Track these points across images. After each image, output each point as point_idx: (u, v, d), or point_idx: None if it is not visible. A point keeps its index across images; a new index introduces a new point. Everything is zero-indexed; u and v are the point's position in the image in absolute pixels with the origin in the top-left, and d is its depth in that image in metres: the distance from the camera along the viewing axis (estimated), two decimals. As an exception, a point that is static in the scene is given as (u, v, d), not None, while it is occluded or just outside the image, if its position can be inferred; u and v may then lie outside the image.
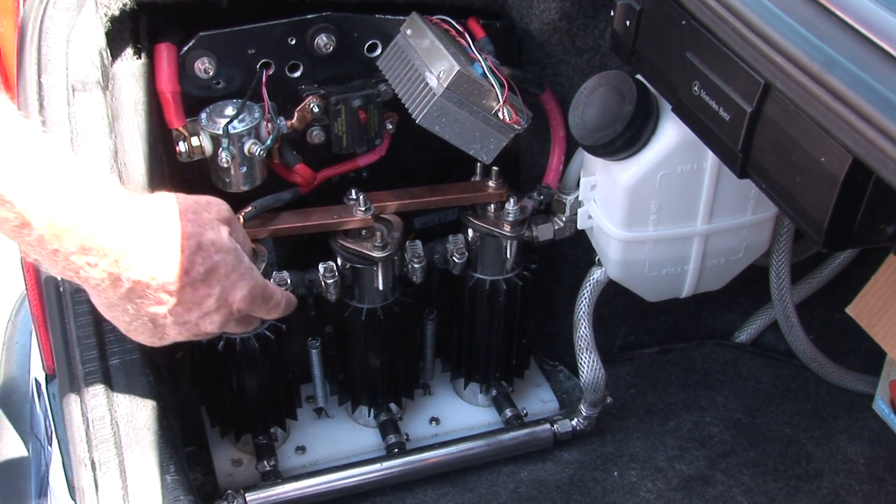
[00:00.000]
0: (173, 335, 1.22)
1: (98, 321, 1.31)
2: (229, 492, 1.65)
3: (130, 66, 1.44)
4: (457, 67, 1.46)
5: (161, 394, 1.42)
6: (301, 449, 1.80)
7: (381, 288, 1.64)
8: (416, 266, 1.66)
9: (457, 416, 1.88)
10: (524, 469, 1.78)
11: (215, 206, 1.22)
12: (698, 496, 1.72)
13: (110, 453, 1.32)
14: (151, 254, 1.10)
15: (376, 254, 1.59)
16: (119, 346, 1.35)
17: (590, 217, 1.64)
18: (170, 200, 1.16)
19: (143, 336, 1.21)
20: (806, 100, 0.96)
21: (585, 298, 1.74)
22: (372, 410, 1.81)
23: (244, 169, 1.52)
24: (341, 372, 1.77)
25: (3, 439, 1.74)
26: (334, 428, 1.84)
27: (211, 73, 1.52)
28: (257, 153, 1.50)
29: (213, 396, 1.70)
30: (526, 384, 1.94)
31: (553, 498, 1.72)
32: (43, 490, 1.61)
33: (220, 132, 1.48)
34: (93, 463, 1.32)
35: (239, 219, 1.54)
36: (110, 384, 1.34)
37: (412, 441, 1.82)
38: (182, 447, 1.50)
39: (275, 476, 1.71)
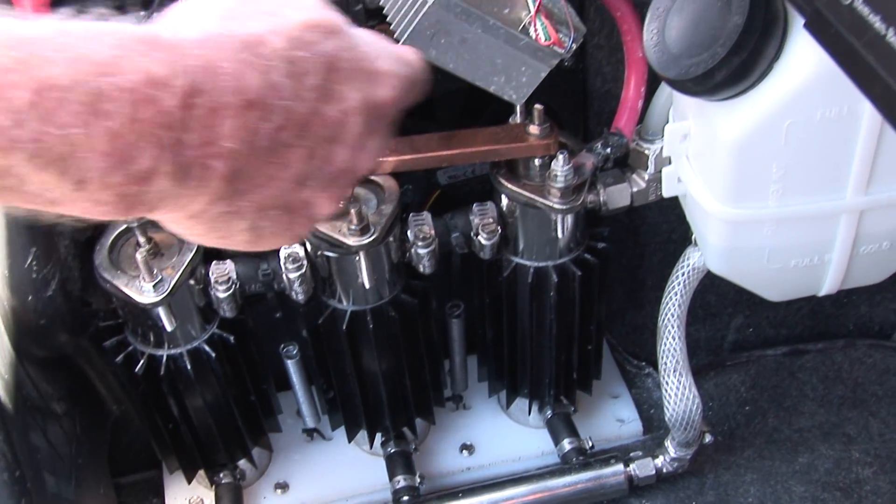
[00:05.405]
0: (325, 206, 0.65)
1: None
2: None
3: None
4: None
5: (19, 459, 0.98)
6: (282, 487, 1.37)
7: (367, 285, 1.13)
8: (421, 251, 1.14)
9: (498, 443, 1.42)
10: (586, 526, 1.32)
11: None
12: (837, 579, 1.22)
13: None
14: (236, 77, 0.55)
15: (352, 241, 1.08)
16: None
17: (680, 181, 1.11)
18: (195, 4, 0.59)
19: (280, 234, 0.65)
20: None
21: (677, 293, 1.23)
22: (378, 437, 1.32)
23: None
24: (329, 388, 1.29)
25: None
26: (329, 456, 1.41)
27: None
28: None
29: (148, 423, 1.24)
30: (598, 395, 1.45)
31: (625, 573, 1.24)
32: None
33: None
34: None
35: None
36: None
37: (434, 478, 1.36)
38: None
39: (236, 532, 1.26)
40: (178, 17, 0.57)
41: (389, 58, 0.64)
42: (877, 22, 0.67)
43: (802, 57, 0.94)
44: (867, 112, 0.99)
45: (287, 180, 0.59)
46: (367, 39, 0.63)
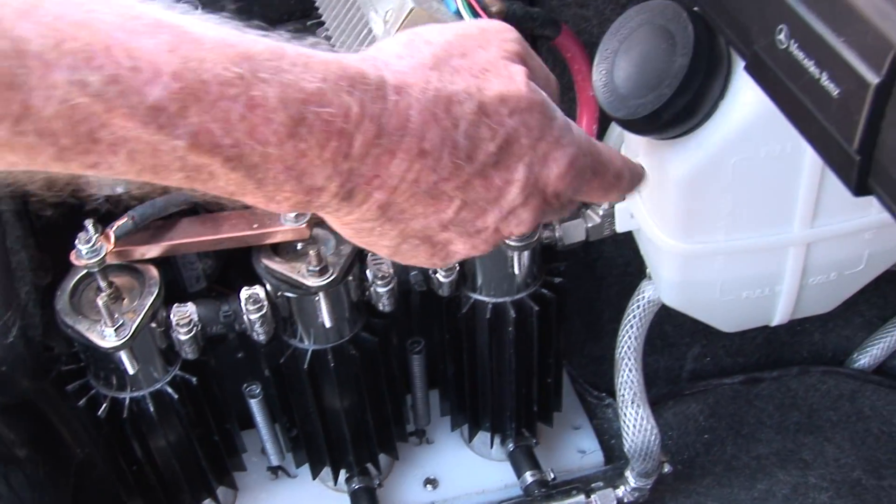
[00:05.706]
0: (462, 251, 0.71)
1: None
2: None
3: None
4: (410, 3, 0.96)
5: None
6: (248, 525, 1.35)
7: (327, 325, 1.15)
8: (380, 290, 1.16)
9: (462, 476, 1.42)
10: (549, 557, 1.31)
11: (494, 34, 0.68)
12: None
13: None
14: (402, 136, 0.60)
15: (311, 281, 1.09)
16: None
17: (633, 216, 1.12)
18: (409, 43, 0.63)
19: (418, 258, 0.72)
20: None
21: (633, 326, 1.24)
22: (342, 473, 1.33)
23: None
24: (293, 426, 1.29)
25: None
26: (295, 493, 1.40)
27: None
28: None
29: (112, 465, 1.25)
30: (560, 427, 1.46)
31: None
32: None
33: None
34: None
35: (109, 235, 1.07)
36: None
37: (398, 513, 1.35)
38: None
39: (201, 573, 1.26)
40: (386, 54, 0.60)
41: (573, 146, 0.67)
42: (811, 66, 0.68)
43: (746, 97, 0.94)
44: (809, 149, 1.01)
45: (434, 220, 0.63)
46: (562, 124, 0.66)
